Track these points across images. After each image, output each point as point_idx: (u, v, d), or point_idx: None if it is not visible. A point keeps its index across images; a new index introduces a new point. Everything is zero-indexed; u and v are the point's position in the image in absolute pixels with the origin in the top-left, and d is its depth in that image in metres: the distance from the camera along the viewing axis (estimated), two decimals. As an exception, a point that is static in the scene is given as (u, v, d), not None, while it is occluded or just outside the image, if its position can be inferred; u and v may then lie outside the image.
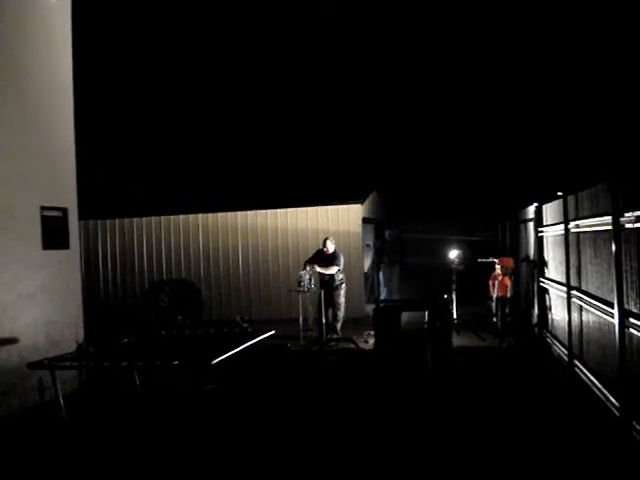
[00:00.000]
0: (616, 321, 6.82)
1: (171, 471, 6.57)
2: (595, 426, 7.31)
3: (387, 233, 22.00)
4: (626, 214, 6.44)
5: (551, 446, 6.75)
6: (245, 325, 9.97)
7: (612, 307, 6.97)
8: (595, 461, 6.23)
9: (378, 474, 6.26)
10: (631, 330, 6.42)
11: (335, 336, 13.66)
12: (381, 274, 19.86)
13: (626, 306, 6.61)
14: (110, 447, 7.40)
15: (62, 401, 7.90)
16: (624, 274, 6.68)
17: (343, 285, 13.99)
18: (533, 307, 13.57)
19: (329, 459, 6.71)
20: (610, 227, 6.99)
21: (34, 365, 7.72)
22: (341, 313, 13.91)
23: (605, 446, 6.63)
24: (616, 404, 7.11)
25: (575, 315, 9.52)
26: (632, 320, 6.35)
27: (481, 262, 15.07)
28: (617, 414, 7.02)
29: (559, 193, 10.61)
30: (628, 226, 6.44)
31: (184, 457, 6.93)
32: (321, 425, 7.95)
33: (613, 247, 6.88)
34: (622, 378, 6.82)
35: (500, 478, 6.02)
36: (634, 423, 6.42)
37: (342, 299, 13.93)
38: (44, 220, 10.14)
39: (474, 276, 16.15)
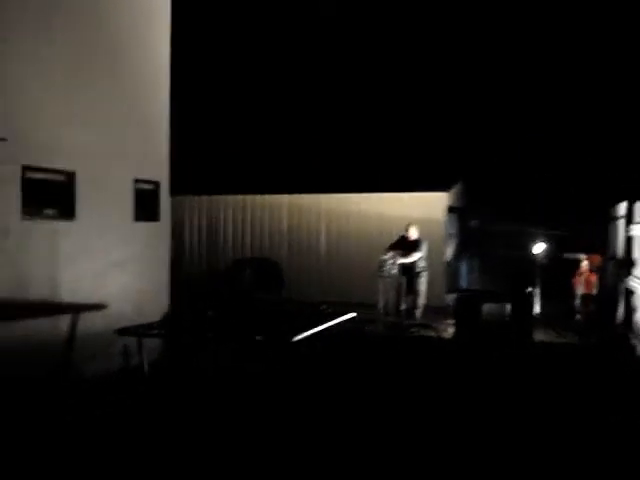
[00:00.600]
0: None
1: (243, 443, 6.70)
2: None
3: (473, 223, 21.77)
4: None
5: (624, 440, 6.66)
6: (323, 307, 10.04)
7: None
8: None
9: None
10: None
11: (414, 322, 13.66)
12: (464, 264, 19.71)
13: None
14: (188, 414, 7.62)
15: (146, 367, 8.21)
16: None
17: (425, 273, 13.97)
18: (618, 306, 13.29)
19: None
20: None
21: (123, 331, 8.03)
22: (421, 300, 13.89)
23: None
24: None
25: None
26: None
27: (567, 258, 14.83)
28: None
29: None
30: None
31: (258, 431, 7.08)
32: (396, 409, 8.02)
33: None
34: None
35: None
36: None
37: (423, 286, 13.91)
38: (137, 192, 10.48)
39: (558, 271, 15.89)
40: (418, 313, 13.91)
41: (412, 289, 13.85)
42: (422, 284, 13.91)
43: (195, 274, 19.42)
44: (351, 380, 9.28)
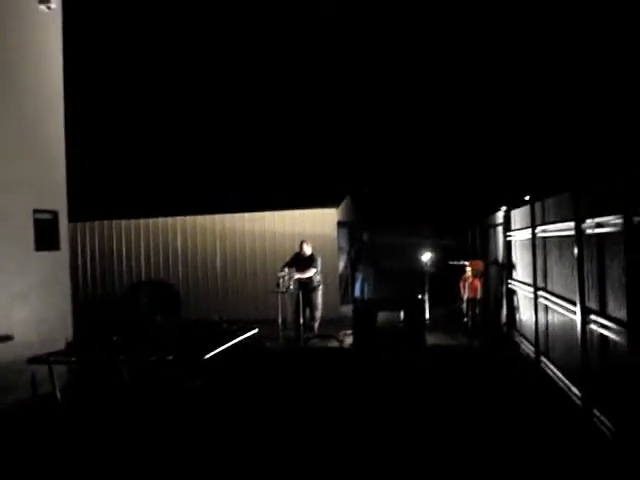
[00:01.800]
0: (578, 318, 7.45)
1: (160, 461, 6.99)
2: (560, 415, 7.91)
3: (365, 236, 22.54)
4: (587, 220, 7.05)
5: (518, 432, 7.33)
6: (224, 325, 10.37)
7: (575, 305, 7.60)
8: (560, 444, 6.82)
9: (358, 458, 6.78)
10: (591, 326, 7.04)
11: (312, 334, 14.15)
12: (359, 276, 20.40)
13: (587, 304, 7.22)
14: (104, 438, 7.81)
15: (59, 394, 8.37)
16: (585, 275, 7.30)
17: (320, 286, 14.49)
18: (502, 308, 14.18)
19: (313, 444, 7.23)
20: (573, 232, 7.61)
21: (33, 360, 8.16)
22: (319, 313, 14.40)
23: (569, 431, 7.24)
24: (578, 394, 7.74)
25: (541, 314, 10.16)
26: (592, 317, 6.96)
27: (452, 265, 15.69)
28: (579, 403, 7.65)
29: (527, 198, 11.22)
30: (589, 231, 7.06)
31: (173, 448, 7.37)
32: (305, 415, 8.46)
33: (575, 250, 7.51)
34: (584, 371, 7.45)
35: (468, 461, 6.55)
36: (594, 411, 7.04)
37: (319, 300, 14.42)
38: (36, 222, 10.56)
39: (445, 278, 16.78)
40: (316, 325, 14.42)
41: (310, 303, 14.34)
42: (318, 297, 14.42)
43: (92, 300, 19.34)
44: (254, 393, 9.69)
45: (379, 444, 7.19)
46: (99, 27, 24.38)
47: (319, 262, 14.55)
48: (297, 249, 14.86)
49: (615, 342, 6.24)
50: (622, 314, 5.96)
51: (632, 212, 5.52)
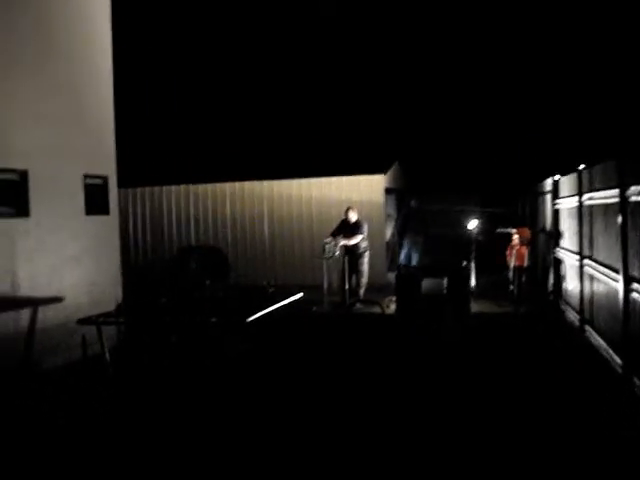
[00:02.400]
0: (621, 286, 7.40)
1: (203, 423, 7.16)
2: (602, 381, 7.91)
3: (413, 203, 22.47)
4: (632, 188, 6.98)
5: (562, 396, 7.36)
6: (271, 290, 10.52)
7: (618, 273, 7.54)
8: (600, 410, 6.84)
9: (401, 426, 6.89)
10: (634, 294, 6.99)
11: (357, 300, 14.27)
12: (406, 243, 20.39)
13: (630, 273, 7.17)
14: (152, 399, 8.04)
15: (108, 356, 8.63)
16: (630, 243, 7.23)
17: (367, 253, 14.56)
18: (549, 276, 14.09)
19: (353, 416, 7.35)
20: (617, 199, 7.53)
21: (83, 321, 8.43)
22: (364, 280, 14.50)
23: (610, 398, 7.24)
24: (619, 362, 7.71)
25: (587, 283, 10.09)
26: (635, 285, 6.91)
27: (499, 232, 15.57)
28: (620, 371, 7.63)
29: (580, 167, 11.08)
30: (633, 199, 6.98)
31: (215, 411, 7.55)
32: (347, 384, 8.58)
33: (619, 218, 7.44)
34: (625, 339, 7.42)
35: (513, 429, 6.60)
36: (634, 379, 7.02)
37: (365, 266, 14.51)
38: (87, 188, 10.82)
39: (493, 246, 16.66)
40: (361, 292, 14.52)
41: (355, 269, 14.43)
42: (364, 264, 14.51)
43: (142, 264, 19.72)
44: (305, 357, 9.84)
45: (426, 403, 7.30)
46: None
47: (365, 228, 14.60)
48: (343, 216, 14.90)
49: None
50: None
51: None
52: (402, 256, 14.34)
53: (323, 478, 5.65)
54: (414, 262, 17.66)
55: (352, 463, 5.83)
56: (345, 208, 15.11)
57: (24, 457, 6.26)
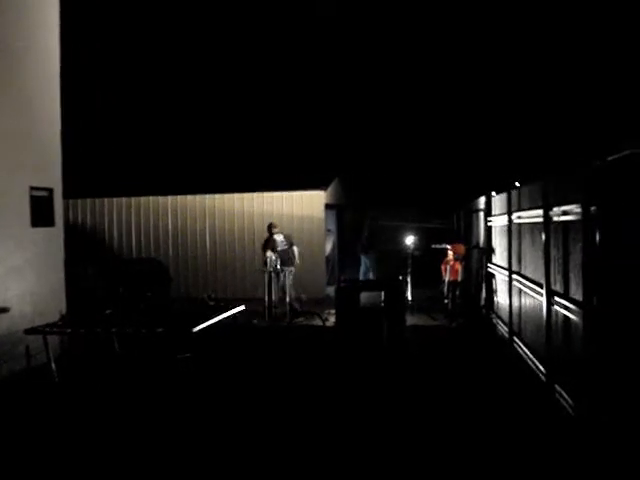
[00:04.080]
0: (544, 300, 7.93)
1: (149, 431, 7.42)
2: (527, 389, 8.44)
3: (349, 219, 23.02)
4: (554, 208, 7.51)
5: (489, 404, 7.84)
6: (211, 303, 10.81)
7: (542, 288, 8.08)
8: (524, 415, 7.34)
9: (337, 431, 7.26)
10: (555, 307, 7.51)
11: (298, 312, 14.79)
12: (345, 257, 20.90)
13: (552, 287, 7.70)
14: (98, 407, 8.22)
15: (54, 365, 8.79)
16: (552, 260, 7.77)
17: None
18: (481, 290, 14.64)
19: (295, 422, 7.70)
20: (541, 219, 8.08)
21: (30, 331, 8.59)
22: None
23: (533, 403, 7.76)
24: (543, 371, 8.24)
25: (515, 297, 10.64)
26: (556, 299, 7.43)
27: (435, 248, 16.14)
28: (544, 379, 8.16)
29: (511, 185, 11.68)
30: (555, 219, 7.52)
31: (162, 418, 7.81)
32: (288, 391, 8.93)
33: (543, 236, 7.99)
34: (548, 349, 7.95)
35: (442, 434, 7.04)
36: (555, 386, 7.54)
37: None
38: (32, 199, 10.96)
39: (429, 261, 17.23)
40: (297, 305, 15.09)
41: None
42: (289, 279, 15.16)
43: (83, 275, 19.69)
44: (239, 368, 10.14)
45: (356, 413, 7.68)
46: (96, 6, 24.60)
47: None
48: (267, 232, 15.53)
49: (575, 322, 6.71)
50: (580, 296, 6.44)
51: (588, 202, 5.98)
52: (342, 271, 14.87)
53: None
54: (354, 276, 18.16)
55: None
56: (287, 222, 15.62)
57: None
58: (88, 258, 20.15)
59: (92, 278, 19.32)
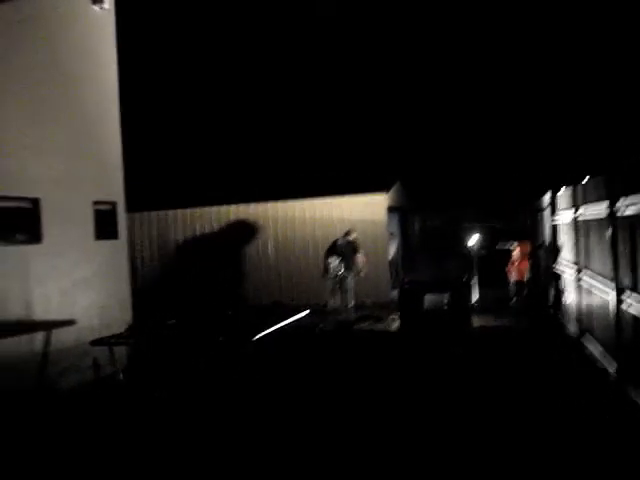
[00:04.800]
0: (613, 296, 7.68)
1: (217, 434, 7.45)
2: (597, 388, 8.19)
3: (414, 221, 22.86)
4: (621, 201, 7.27)
5: (559, 402, 7.64)
6: (276, 309, 10.86)
7: (610, 284, 7.83)
8: (595, 414, 7.12)
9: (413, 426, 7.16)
10: (625, 305, 7.27)
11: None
12: (408, 260, 20.74)
13: (621, 283, 7.46)
14: (165, 416, 8.30)
15: (121, 375, 8.92)
16: (620, 255, 7.52)
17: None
18: (549, 290, 14.34)
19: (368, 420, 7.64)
20: (607, 212, 7.83)
21: (96, 342, 8.73)
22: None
23: (604, 402, 7.54)
24: (613, 369, 7.99)
25: (584, 295, 10.35)
26: (626, 295, 7.19)
27: (500, 248, 15.88)
28: (615, 377, 7.91)
29: (577, 181, 11.40)
30: (622, 212, 7.28)
31: (230, 423, 7.83)
32: (358, 392, 8.86)
33: (610, 232, 7.75)
34: (618, 347, 7.70)
35: (514, 431, 6.87)
36: (627, 384, 7.30)
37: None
38: (96, 213, 11.17)
39: (495, 261, 16.96)
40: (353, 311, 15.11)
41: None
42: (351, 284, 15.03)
43: (149, 287, 19.97)
44: (314, 372, 10.12)
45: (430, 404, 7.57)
46: (150, 25, 25.09)
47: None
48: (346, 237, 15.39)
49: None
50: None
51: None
52: (406, 274, 14.77)
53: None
54: (418, 279, 18.02)
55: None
56: (348, 226, 15.61)
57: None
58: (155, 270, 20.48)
59: (159, 289, 19.65)
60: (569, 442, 6.47)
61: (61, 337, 9.98)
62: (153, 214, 20.57)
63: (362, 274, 15.04)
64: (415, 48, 27.71)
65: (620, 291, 7.47)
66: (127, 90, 12.98)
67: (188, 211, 20.25)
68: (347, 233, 15.29)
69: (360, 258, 14.96)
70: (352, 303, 14.97)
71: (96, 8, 11.58)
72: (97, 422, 8.14)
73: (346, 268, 14.84)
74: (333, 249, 15.10)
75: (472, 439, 6.77)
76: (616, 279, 7.60)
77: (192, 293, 18.33)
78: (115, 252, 11.75)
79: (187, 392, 9.11)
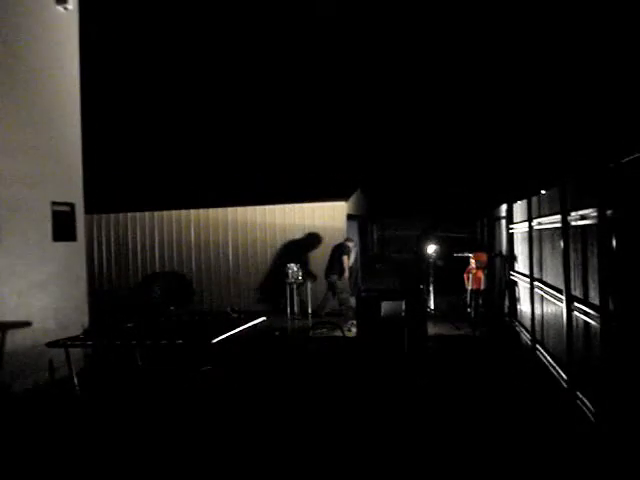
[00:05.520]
0: (564, 306, 7.87)
1: (170, 442, 7.47)
2: (549, 396, 8.38)
3: (372, 229, 23.04)
4: (572, 213, 7.47)
5: (510, 410, 7.80)
6: (235, 315, 10.85)
7: (562, 294, 8.02)
8: (546, 420, 7.29)
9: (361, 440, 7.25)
10: (575, 313, 7.45)
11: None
12: (367, 268, 20.87)
13: (572, 292, 7.65)
14: (118, 419, 8.29)
15: (76, 378, 8.86)
16: (572, 265, 7.72)
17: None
18: (504, 298, 14.57)
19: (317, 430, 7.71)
20: (560, 224, 8.03)
21: (52, 344, 8.67)
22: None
23: (555, 410, 7.72)
24: (565, 377, 8.17)
25: (537, 304, 10.57)
26: (576, 304, 7.38)
27: (457, 256, 16.10)
28: (565, 386, 8.09)
29: (531, 192, 11.64)
30: (573, 223, 7.48)
31: (183, 428, 7.86)
32: (309, 400, 8.93)
33: (562, 242, 7.94)
34: (569, 356, 7.89)
35: (465, 439, 7.00)
36: (577, 392, 7.47)
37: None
38: (54, 214, 11.10)
39: (451, 270, 17.19)
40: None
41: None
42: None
43: (106, 290, 19.87)
44: (261, 378, 10.17)
45: (379, 418, 7.67)
46: (113, 25, 24.92)
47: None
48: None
49: (594, 327, 6.66)
50: (598, 301, 6.39)
51: (604, 206, 5.94)
52: (365, 281, 14.88)
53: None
54: (377, 286, 18.20)
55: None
56: (307, 233, 15.76)
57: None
58: (111, 272, 20.37)
59: (116, 292, 19.55)
60: (515, 446, 6.63)
61: (16, 338, 9.89)
62: (112, 216, 20.48)
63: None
64: (373, 57, 27.95)
65: (571, 300, 7.66)
66: (89, 91, 12.93)
67: (146, 214, 20.19)
68: (347, 239, 15.77)
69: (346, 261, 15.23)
70: (350, 302, 15.19)
71: (60, 8, 11.56)
72: (49, 424, 8.12)
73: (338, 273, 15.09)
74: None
75: (424, 436, 6.90)
76: (567, 288, 7.80)
77: (148, 297, 18.27)
78: (73, 254, 11.68)
79: (142, 396, 9.12)
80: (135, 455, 6.93)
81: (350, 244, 15.59)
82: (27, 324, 10.14)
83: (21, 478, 6.50)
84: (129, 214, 20.35)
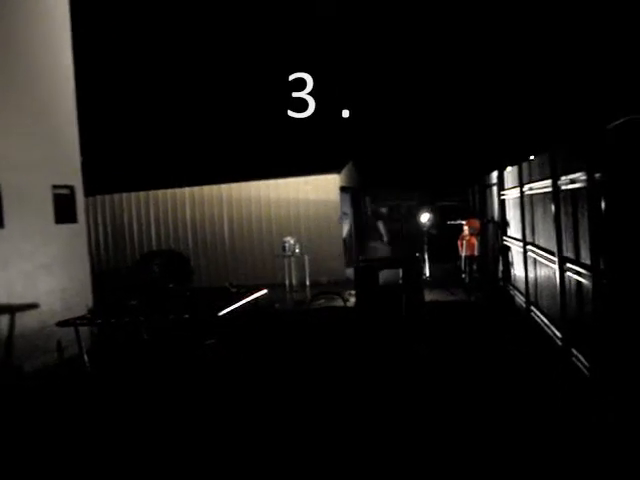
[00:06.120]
0: (557, 266, 8.15)
1: (179, 416, 7.71)
2: (545, 355, 8.69)
3: (366, 200, 23.26)
4: (562, 177, 7.72)
5: (508, 369, 8.10)
6: (234, 290, 11.07)
7: (554, 255, 8.29)
8: (543, 377, 7.59)
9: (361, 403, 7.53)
10: (568, 273, 7.73)
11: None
12: (362, 238, 21.11)
13: (564, 254, 7.92)
14: (131, 393, 8.55)
15: (86, 357, 9.11)
16: (563, 227, 7.98)
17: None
18: (498, 264, 14.83)
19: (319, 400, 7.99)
20: (551, 189, 8.28)
21: (62, 323, 8.90)
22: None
23: (552, 367, 8.02)
24: (559, 336, 8.47)
25: (531, 267, 10.85)
26: (569, 265, 7.65)
27: (450, 224, 16.36)
28: (560, 344, 8.39)
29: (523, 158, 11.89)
30: (564, 187, 7.73)
31: (191, 401, 8.11)
32: (314, 368, 9.21)
33: (553, 206, 8.20)
34: (563, 314, 8.18)
35: (465, 397, 7.29)
36: (572, 349, 7.78)
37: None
38: (55, 197, 11.30)
39: (446, 238, 17.46)
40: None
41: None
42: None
43: (105, 270, 20.06)
44: (265, 348, 10.43)
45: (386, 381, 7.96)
46: (107, 7, 24.90)
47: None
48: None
49: (586, 286, 6.93)
50: (589, 260, 6.66)
51: (592, 169, 6.20)
52: (361, 252, 15.13)
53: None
54: (373, 256, 18.44)
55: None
56: (303, 207, 15.90)
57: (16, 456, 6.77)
58: (109, 253, 20.56)
59: (116, 272, 19.73)
60: (514, 402, 6.93)
61: (24, 320, 10.14)
62: (107, 197, 20.64)
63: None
64: (369, 35, 28.02)
65: (563, 261, 7.93)
66: (83, 74, 13.05)
67: (141, 194, 20.35)
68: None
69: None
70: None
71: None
72: (62, 403, 8.37)
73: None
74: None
75: (427, 404, 7.19)
76: (559, 250, 8.07)
77: (147, 275, 18.46)
78: (75, 236, 11.91)
79: (150, 371, 9.38)
80: (147, 427, 7.18)
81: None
82: (34, 306, 10.38)
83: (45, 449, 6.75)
84: (124, 194, 20.53)
